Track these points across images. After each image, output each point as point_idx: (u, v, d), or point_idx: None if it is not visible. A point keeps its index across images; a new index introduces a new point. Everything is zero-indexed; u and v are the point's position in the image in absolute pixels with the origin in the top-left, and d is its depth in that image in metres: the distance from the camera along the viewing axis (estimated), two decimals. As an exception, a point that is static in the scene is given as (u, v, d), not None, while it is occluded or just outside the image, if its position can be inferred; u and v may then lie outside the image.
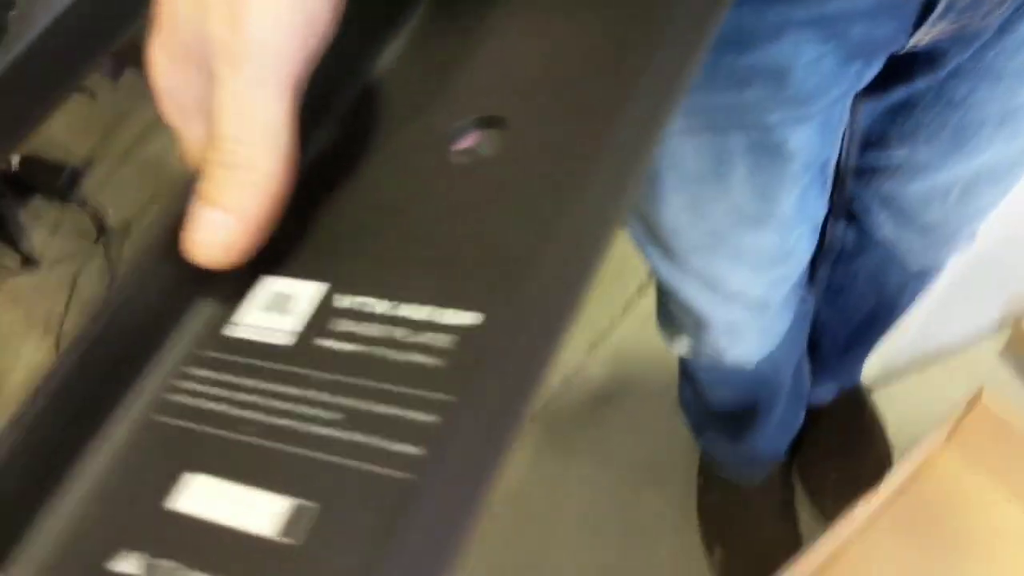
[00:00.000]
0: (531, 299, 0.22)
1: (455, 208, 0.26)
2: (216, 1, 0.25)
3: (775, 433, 1.10)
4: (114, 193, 1.75)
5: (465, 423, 0.20)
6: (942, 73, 0.59)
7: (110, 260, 1.68)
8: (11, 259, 1.68)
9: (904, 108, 0.65)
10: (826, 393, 1.20)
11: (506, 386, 0.20)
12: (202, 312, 0.26)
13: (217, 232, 0.25)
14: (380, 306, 0.24)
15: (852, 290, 0.95)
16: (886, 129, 0.68)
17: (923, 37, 0.53)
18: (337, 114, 0.31)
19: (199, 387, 0.24)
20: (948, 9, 0.50)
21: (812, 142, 0.58)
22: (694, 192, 0.62)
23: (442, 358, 0.22)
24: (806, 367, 1.09)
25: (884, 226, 0.80)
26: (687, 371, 1.04)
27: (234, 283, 0.26)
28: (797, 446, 1.22)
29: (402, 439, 0.20)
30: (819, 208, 0.69)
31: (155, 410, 0.24)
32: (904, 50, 0.54)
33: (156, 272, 0.25)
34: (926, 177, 0.70)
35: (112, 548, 0.21)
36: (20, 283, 1.68)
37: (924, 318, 1.12)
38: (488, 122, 0.28)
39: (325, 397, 0.22)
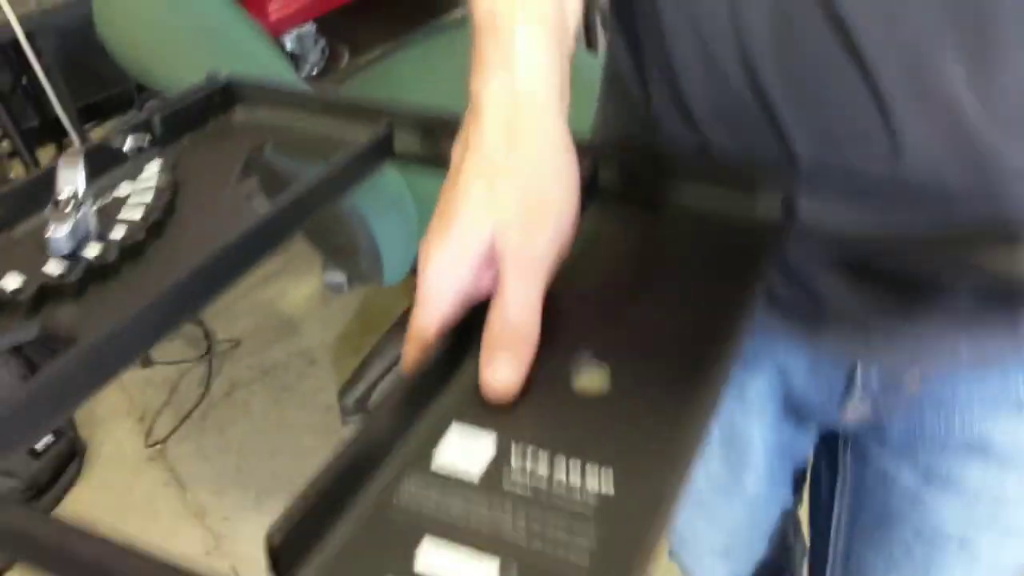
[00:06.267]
0: (649, 481, 0.33)
1: (582, 411, 0.37)
2: (515, 224, 0.38)
3: None
4: (226, 318, 1.99)
5: (604, 567, 0.30)
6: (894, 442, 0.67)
7: (210, 373, 1.87)
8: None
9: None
10: None
11: (630, 540, 0.31)
12: (410, 443, 0.36)
13: (506, 376, 0.37)
14: (541, 461, 0.34)
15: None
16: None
17: (850, 416, 0.64)
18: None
19: (416, 497, 0.33)
20: (864, 388, 0.61)
21: (771, 440, 0.72)
22: None
23: (587, 510, 0.32)
24: None
25: None
26: None
27: (432, 426, 0.37)
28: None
29: (562, 554, 0.31)
30: (783, 496, 0.83)
31: (389, 507, 0.33)
32: (837, 424, 0.67)
33: (386, 417, 0.35)
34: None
35: None
36: (132, 373, 1.87)
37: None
38: (600, 363, 0.39)
39: (508, 517, 0.33)
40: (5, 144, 2.32)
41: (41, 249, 0.44)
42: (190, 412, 1.79)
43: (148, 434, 1.77)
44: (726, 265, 0.45)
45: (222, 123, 0.58)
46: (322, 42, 1.99)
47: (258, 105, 0.59)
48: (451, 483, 0.34)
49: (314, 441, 1.73)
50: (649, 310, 0.42)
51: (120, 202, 0.48)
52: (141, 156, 0.53)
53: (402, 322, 1.71)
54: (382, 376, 1.67)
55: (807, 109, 0.47)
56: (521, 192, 0.38)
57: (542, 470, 0.34)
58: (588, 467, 0.34)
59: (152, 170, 0.51)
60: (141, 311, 0.39)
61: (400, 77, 1.66)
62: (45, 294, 0.43)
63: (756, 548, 0.88)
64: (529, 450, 0.35)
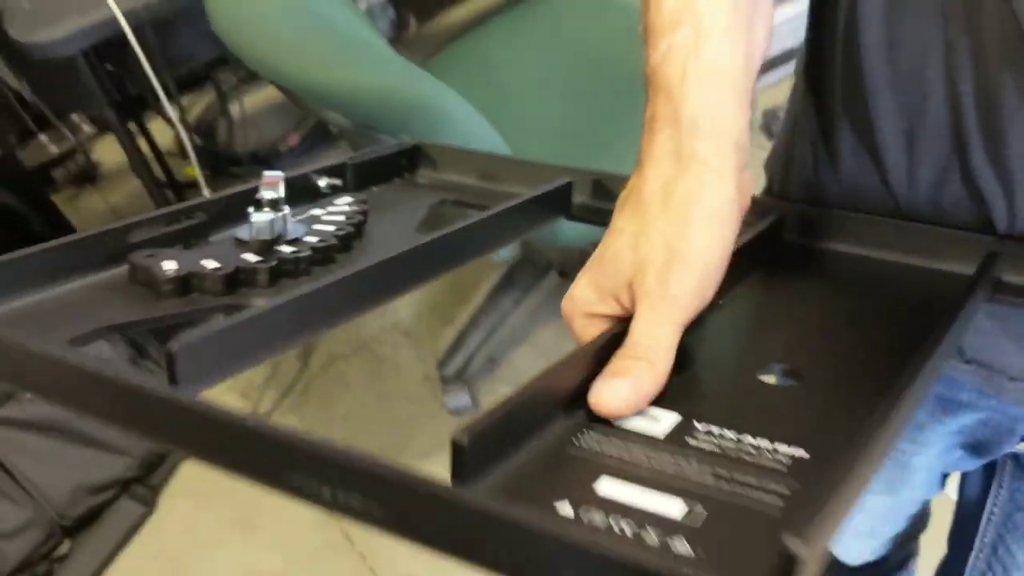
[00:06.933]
0: (844, 443, 0.31)
1: (770, 400, 0.38)
2: (653, 268, 0.39)
3: None
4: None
5: (798, 511, 0.30)
6: None
7: (308, 348, 1.90)
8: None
9: None
10: None
11: (826, 489, 0.28)
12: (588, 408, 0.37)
13: (620, 392, 0.37)
14: (728, 433, 0.35)
15: None
16: None
17: None
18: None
19: (598, 442, 0.35)
20: None
21: (936, 467, 0.74)
22: None
23: (781, 466, 0.33)
24: None
25: None
26: None
27: None
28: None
29: (758, 496, 0.31)
30: (933, 491, 0.84)
31: (569, 445, 0.35)
32: (1015, 450, 0.67)
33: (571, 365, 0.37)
34: None
35: (556, 497, 0.31)
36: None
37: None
38: (789, 373, 0.40)
39: (694, 463, 0.33)
40: (86, 127, 2.41)
41: (238, 250, 0.47)
42: (292, 386, 1.84)
43: (255, 410, 1.81)
44: (924, 304, 0.46)
45: (408, 179, 0.64)
46: (390, 10, 2.00)
47: (444, 166, 0.64)
48: (634, 436, 0.35)
49: (413, 411, 1.76)
50: (841, 332, 0.44)
51: (314, 219, 0.52)
52: (334, 194, 0.58)
53: (496, 291, 1.72)
54: (479, 347, 1.69)
55: (1010, 187, 0.48)
56: (665, 245, 0.39)
57: (730, 435, 0.35)
58: (779, 444, 0.34)
59: (344, 200, 0.56)
60: (326, 286, 0.40)
61: (489, 53, 1.66)
62: (239, 278, 0.44)
63: (898, 527, 0.91)
64: (715, 427, 0.35)
